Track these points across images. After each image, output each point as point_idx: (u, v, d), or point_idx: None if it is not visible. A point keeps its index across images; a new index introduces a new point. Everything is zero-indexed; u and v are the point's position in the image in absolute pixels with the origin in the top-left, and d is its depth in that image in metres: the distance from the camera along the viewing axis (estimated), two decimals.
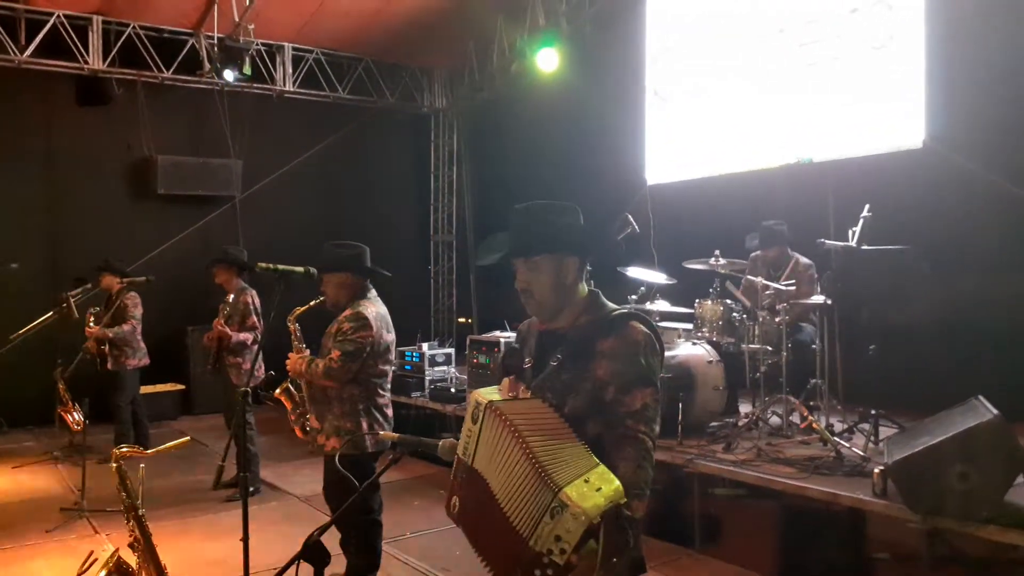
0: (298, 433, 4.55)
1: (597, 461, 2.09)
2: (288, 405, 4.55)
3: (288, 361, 4.31)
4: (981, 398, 4.21)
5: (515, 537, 2.04)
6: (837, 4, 7.17)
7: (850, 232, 5.35)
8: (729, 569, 4.96)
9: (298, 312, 4.39)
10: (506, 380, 2.36)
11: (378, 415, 4.26)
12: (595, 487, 2.02)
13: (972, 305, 6.13)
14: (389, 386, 4.43)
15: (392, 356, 4.40)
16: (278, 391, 4.57)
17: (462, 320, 7.90)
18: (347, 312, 4.20)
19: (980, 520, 3.81)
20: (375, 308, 4.25)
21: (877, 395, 5.52)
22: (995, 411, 3.92)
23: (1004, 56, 6.27)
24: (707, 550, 5.23)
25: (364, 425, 4.17)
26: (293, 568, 2.28)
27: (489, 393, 2.29)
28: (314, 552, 2.12)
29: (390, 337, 4.32)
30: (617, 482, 2.05)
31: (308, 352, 4.32)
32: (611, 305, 2.44)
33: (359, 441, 4.10)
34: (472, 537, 2.22)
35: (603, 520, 1.97)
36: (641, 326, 2.33)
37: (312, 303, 4.39)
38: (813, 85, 7.33)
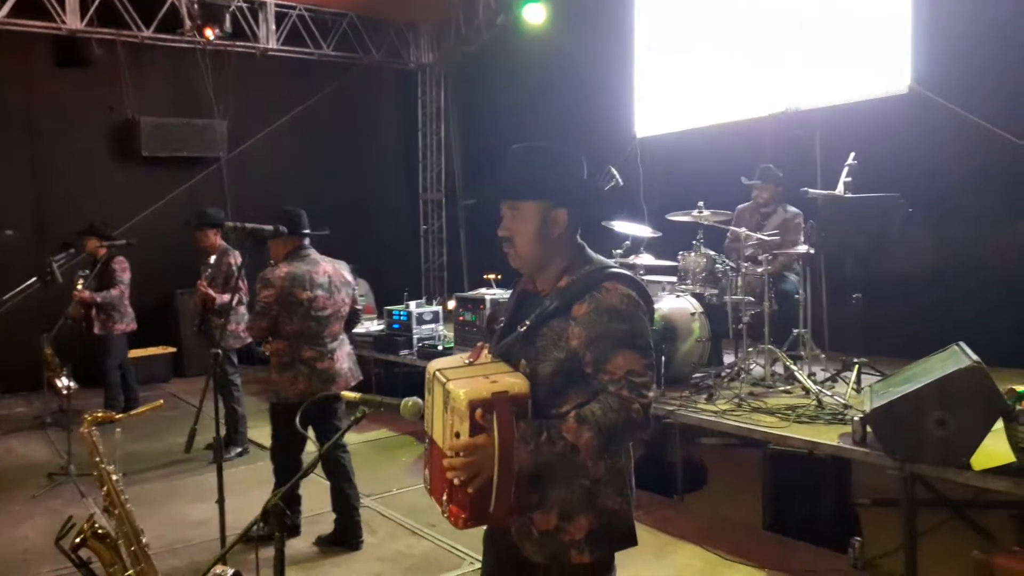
0: None
1: (524, 377, 2.04)
2: None
3: None
4: (962, 344, 4.17)
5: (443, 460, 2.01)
6: None
7: (842, 183, 5.29)
8: (711, 517, 5.00)
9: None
10: (478, 345, 2.28)
11: (303, 368, 4.46)
12: (492, 381, 1.96)
13: (957, 251, 6.08)
14: (324, 341, 4.53)
15: (319, 312, 4.46)
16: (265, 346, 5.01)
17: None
18: None
19: (959, 465, 3.81)
20: (288, 268, 4.40)
21: (861, 344, 5.51)
22: (975, 357, 3.88)
23: None
24: (689, 499, 5.27)
25: (284, 378, 4.45)
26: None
27: (445, 362, 2.22)
28: (273, 516, 2.08)
29: (308, 295, 4.40)
30: (525, 382, 1.99)
31: None
32: (597, 261, 2.21)
33: (279, 391, 4.48)
34: (440, 503, 2.12)
35: (493, 406, 1.89)
36: (620, 286, 2.09)
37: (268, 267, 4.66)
38: (799, 31, 7.21)
